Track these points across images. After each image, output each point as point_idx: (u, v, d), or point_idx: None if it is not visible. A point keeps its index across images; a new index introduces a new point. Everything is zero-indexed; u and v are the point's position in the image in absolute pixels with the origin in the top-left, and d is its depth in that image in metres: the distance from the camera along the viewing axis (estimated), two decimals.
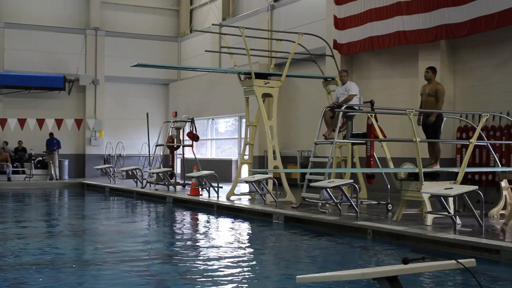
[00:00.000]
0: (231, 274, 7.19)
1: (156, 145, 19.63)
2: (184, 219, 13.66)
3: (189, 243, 9.83)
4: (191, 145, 19.10)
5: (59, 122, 23.72)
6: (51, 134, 23.30)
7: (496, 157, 11.60)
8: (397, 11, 14.85)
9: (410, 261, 3.63)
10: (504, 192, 10.67)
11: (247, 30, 14.01)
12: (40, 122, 23.48)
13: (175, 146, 19.03)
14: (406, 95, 15.24)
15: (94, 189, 20.95)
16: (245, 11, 22.78)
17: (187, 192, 15.99)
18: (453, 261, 3.68)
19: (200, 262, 7.93)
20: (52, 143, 23.11)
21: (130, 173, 19.48)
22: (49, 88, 24.29)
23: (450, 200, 9.18)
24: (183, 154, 19.14)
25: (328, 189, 10.64)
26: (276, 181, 13.09)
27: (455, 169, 10.89)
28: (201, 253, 8.69)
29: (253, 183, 13.30)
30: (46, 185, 22.05)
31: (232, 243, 9.66)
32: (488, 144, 11.51)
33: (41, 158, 23.81)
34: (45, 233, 10.97)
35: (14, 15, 24.62)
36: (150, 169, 18.74)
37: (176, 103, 26.71)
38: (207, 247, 9.20)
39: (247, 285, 6.73)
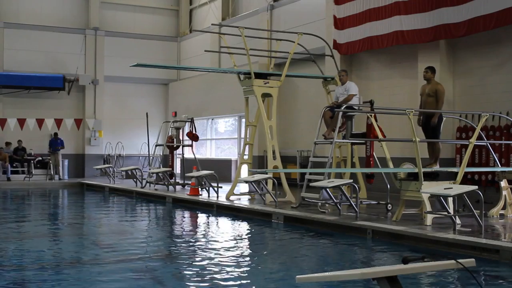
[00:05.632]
0: (231, 274, 7.19)
1: (156, 145, 19.63)
2: (184, 219, 13.67)
3: (188, 243, 9.82)
4: (191, 145, 19.10)
5: (58, 122, 23.74)
6: (55, 134, 23.36)
7: (495, 157, 11.62)
8: (395, 11, 14.86)
9: (409, 261, 3.63)
10: (504, 192, 10.68)
11: (246, 30, 14.00)
12: (40, 122, 23.49)
13: (174, 146, 19.03)
14: (406, 95, 15.25)
15: (94, 189, 20.95)
16: (245, 11, 22.79)
17: (187, 192, 15.99)
18: (453, 261, 3.69)
19: (200, 262, 7.93)
20: (56, 143, 23.15)
21: (129, 173, 19.48)
22: (49, 88, 24.29)
23: (450, 200, 9.19)
24: (183, 154, 19.14)
25: (327, 189, 10.64)
26: (275, 181, 13.09)
27: (454, 169, 10.90)
28: (200, 253, 8.69)
29: (252, 183, 13.30)
30: (46, 185, 22.05)
31: (232, 243, 9.66)
32: (488, 144, 11.52)
33: (40, 158, 23.81)
34: (44, 233, 10.97)
35: (14, 15, 24.62)
36: (149, 169, 18.74)
37: (175, 103, 26.71)
38: (207, 247, 9.20)
39: (246, 285, 6.73)
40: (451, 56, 14.40)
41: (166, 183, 17.41)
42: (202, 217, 13.40)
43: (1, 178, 22.10)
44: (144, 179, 18.63)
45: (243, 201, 14.06)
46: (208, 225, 12.51)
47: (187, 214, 14.17)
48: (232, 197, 14.61)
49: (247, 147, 14.77)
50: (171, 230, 11.60)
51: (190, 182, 16.54)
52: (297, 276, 3.68)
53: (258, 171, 14.58)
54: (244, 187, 16.44)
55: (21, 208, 16.00)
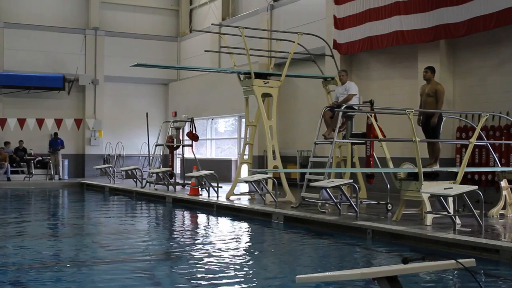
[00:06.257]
0: (231, 274, 7.19)
1: (156, 145, 19.63)
2: (184, 219, 13.67)
3: (188, 243, 9.83)
4: (191, 145, 19.10)
5: (58, 122, 23.74)
6: (55, 134, 23.37)
7: (495, 157, 11.62)
8: (395, 11, 14.86)
9: (409, 261, 3.63)
10: (504, 192, 10.69)
11: (246, 30, 14.00)
12: (40, 122, 23.50)
13: (174, 146, 19.03)
14: (406, 95, 15.25)
15: (94, 189, 20.95)
16: (245, 11, 22.79)
17: (187, 192, 15.99)
18: (453, 261, 3.69)
19: (200, 262, 7.92)
20: (56, 143, 23.16)
21: (129, 173, 19.48)
22: (49, 88, 24.30)
23: (450, 200, 9.19)
24: (183, 154, 19.15)
25: (327, 189, 10.64)
26: (275, 181, 13.08)
27: (454, 169, 10.90)
28: (200, 253, 8.69)
29: (252, 183, 13.30)
30: (46, 185, 22.05)
31: (232, 243, 9.66)
32: (488, 144, 11.52)
33: (40, 158, 23.81)
34: (44, 233, 10.97)
35: (14, 15, 24.62)
36: (149, 169, 18.74)
37: (175, 103, 26.72)
38: (207, 247, 9.20)
39: (246, 285, 6.73)
40: (451, 56, 14.40)
41: (166, 183, 17.40)
42: (202, 217, 13.40)
43: (1, 178, 22.10)
44: (144, 179, 18.63)
45: (243, 201, 14.06)
46: (208, 225, 12.51)
47: (187, 214, 14.17)
48: (232, 197, 14.61)
49: (247, 147, 14.77)
50: (171, 230, 11.60)
51: (190, 182, 16.54)
52: (297, 276, 3.67)
53: (258, 171, 14.58)
54: (244, 187, 16.44)
55: (21, 208, 16.00)
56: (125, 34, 26.14)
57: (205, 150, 25.28)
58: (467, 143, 10.39)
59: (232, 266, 7.68)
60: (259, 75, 14.23)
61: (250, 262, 8.08)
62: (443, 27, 13.68)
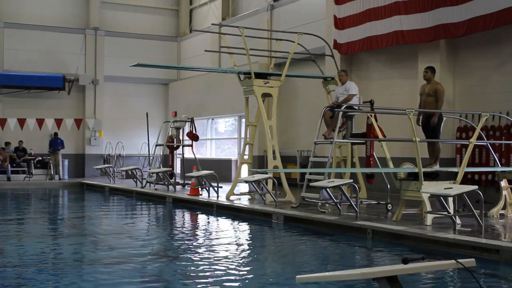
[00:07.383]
0: (230, 274, 7.19)
1: (156, 145, 19.63)
2: (184, 219, 13.67)
3: (188, 243, 9.83)
4: (191, 145, 19.10)
5: (58, 122, 23.75)
6: (55, 134, 23.38)
7: (495, 157, 11.62)
8: (395, 11, 14.86)
9: (409, 261, 3.64)
10: (504, 192, 10.69)
11: (246, 30, 14.00)
12: (40, 122, 23.51)
13: (174, 146, 19.03)
14: (406, 95, 15.24)
15: (94, 189, 20.95)
16: (245, 11, 22.79)
17: (187, 192, 15.99)
18: (453, 261, 3.69)
19: (200, 262, 7.93)
20: (56, 143, 23.17)
21: (129, 173, 19.48)
22: (49, 88, 24.30)
23: (450, 200, 9.19)
24: (183, 154, 19.14)
25: (327, 189, 10.64)
26: (275, 181, 13.09)
27: (454, 169, 10.90)
28: (200, 253, 8.69)
29: (252, 183, 13.30)
30: (46, 185, 22.05)
31: (232, 243, 9.67)
32: (488, 144, 11.52)
33: (40, 158, 23.81)
34: (44, 233, 10.98)
35: (14, 15, 24.62)
36: (149, 169, 18.74)
37: (175, 103, 26.72)
38: (207, 247, 9.21)
39: (246, 285, 6.73)
40: (451, 56, 14.40)
41: (166, 183, 17.40)
42: (202, 217, 13.40)
43: (1, 178, 22.11)
44: (144, 179, 18.63)
45: (243, 201, 14.06)
46: (208, 225, 12.51)
47: (187, 214, 14.17)
48: (232, 197, 14.60)
49: (247, 147, 14.77)
50: (171, 230, 11.60)
51: (190, 182, 16.54)
52: (297, 276, 3.68)
53: (258, 171, 14.58)
54: (244, 187, 16.44)
55: (21, 208, 16.00)
56: (125, 34, 26.14)
57: (205, 150, 25.29)
58: (467, 143, 10.40)
59: (232, 266, 7.68)
60: (259, 75, 14.23)
61: (250, 262, 8.08)
62: (443, 27, 13.67)
